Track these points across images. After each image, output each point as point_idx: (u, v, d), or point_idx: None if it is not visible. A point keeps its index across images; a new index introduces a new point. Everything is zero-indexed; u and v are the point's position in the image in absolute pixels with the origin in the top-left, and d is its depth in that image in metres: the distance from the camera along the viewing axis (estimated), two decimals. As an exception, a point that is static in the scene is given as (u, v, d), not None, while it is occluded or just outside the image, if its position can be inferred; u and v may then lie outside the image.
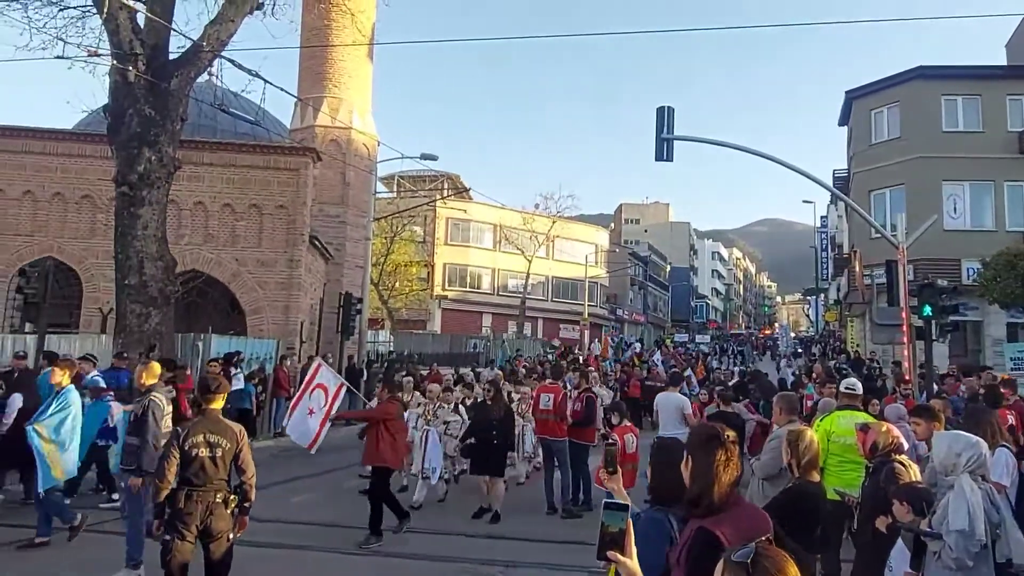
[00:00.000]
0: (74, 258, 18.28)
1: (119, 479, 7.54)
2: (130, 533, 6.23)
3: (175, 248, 14.46)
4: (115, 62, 12.69)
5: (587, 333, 45.75)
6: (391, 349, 28.56)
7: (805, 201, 44.77)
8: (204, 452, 4.94)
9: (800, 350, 39.71)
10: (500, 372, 17.27)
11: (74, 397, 7.19)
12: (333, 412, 9.37)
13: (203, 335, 15.69)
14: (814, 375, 15.88)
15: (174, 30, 13.51)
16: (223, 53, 13.72)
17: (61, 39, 13.10)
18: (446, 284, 46.80)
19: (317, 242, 20.96)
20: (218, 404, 5.23)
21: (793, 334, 71.49)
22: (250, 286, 18.76)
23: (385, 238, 35.84)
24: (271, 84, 14.00)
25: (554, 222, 47.71)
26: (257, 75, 13.26)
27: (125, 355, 11.98)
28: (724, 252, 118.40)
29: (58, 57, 12.78)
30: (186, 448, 4.89)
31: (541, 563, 7.11)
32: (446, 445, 10.01)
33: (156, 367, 6.91)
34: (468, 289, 48.10)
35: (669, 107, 14.90)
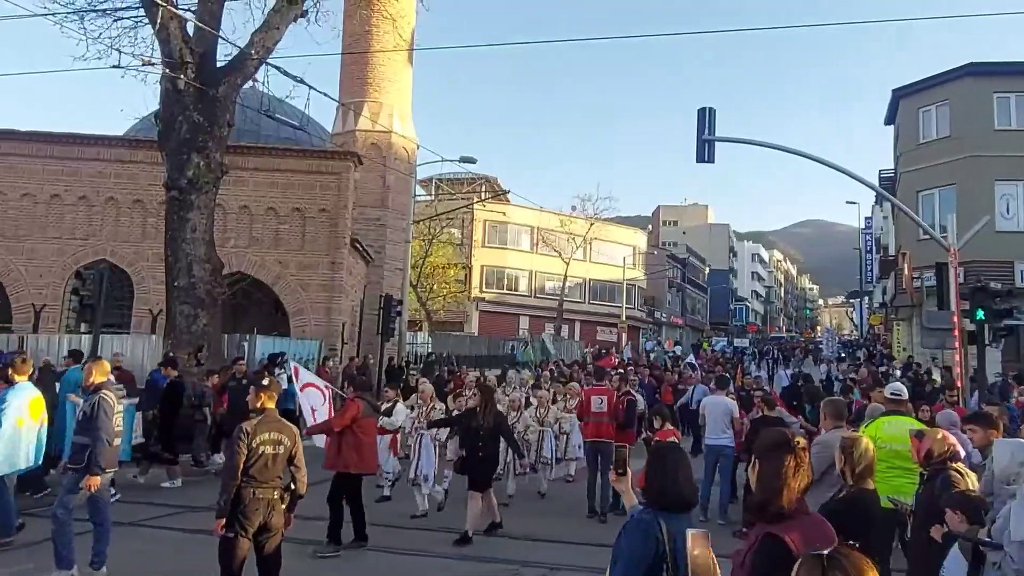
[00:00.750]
0: (126, 261, 18.84)
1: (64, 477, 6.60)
2: (59, 535, 5.93)
3: (221, 251, 14.81)
4: (166, 70, 13.07)
5: (624, 335, 45.47)
6: (429, 351, 28.76)
7: (849, 202, 44.10)
8: (269, 450, 5.06)
9: (843, 354, 38.69)
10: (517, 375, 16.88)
11: (10, 396, 6.93)
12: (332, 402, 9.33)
13: (248, 336, 16.07)
14: (859, 380, 15.55)
15: (222, 38, 13.89)
16: (268, 60, 14.04)
17: (115, 49, 13.60)
18: (484, 286, 46.95)
19: (358, 245, 21.25)
20: (273, 403, 5.37)
21: (837, 337, 70.02)
22: (293, 288, 19.11)
23: (424, 240, 36.13)
24: (314, 89, 14.25)
25: (592, 224, 47.53)
26: (301, 81, 13.56)
27: (174, 355, 12.30)
28: (764, 254, 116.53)
29: (112, 66, 13.25)
30: (253, 446, 5.00)
31: (583, 566, 7.09)
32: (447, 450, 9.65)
33: (105, 365, 6.70)
34: (505, 291, 48.19)
35: (711, 108, 14.76)
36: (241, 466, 4.95)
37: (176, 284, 13.09)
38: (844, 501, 4.06)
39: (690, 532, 2.60)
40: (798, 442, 2.64)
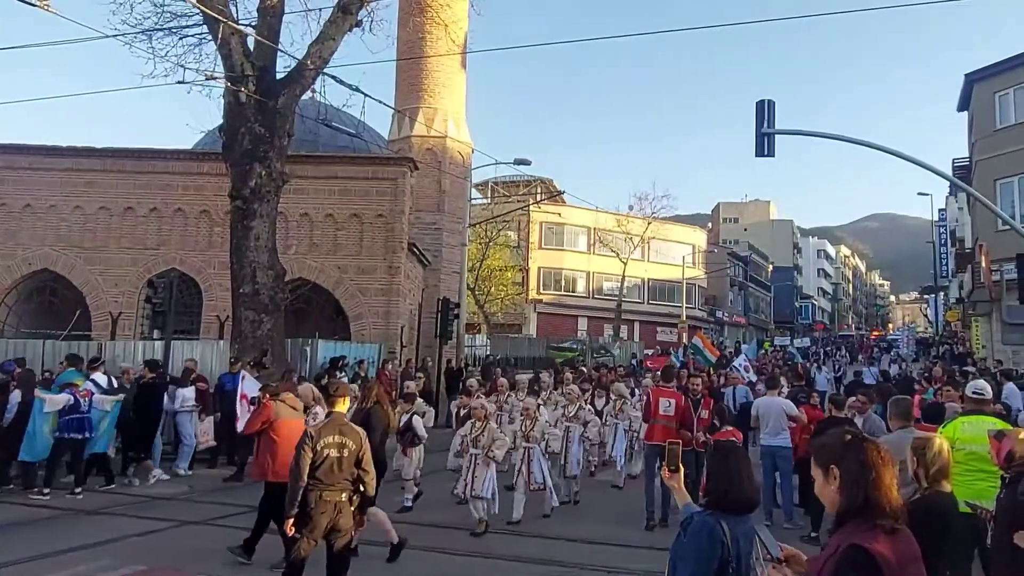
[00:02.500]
0: (194, 269, 19.53)
1: None
2: None
3: (283, 258, 15.20)
4: (228, 84, 13.50)
5: (685, 336, 44.71)
6: (488, 352, 28.90)
7: (920, 193, 41.84)
8: (333, 453, 5.15)
9: (915, 353, 36.98)
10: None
11: None
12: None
13: (310, 340, 16.42)
14: (934, 378, 14.83)
15: (281, 51, 14.27)
16: (325, 70, 14.35)
17: (181, 65, 14.09)
18: (541, 288, 46.91)
19: (415, 249, 21.50)
20: (342, 406, 5.46)
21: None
22: (352, 292, 19.47)
23: (480, 243, 36.34)
24: (370, 97, 14.51)
25: (649, 223, 46.94)
26: (357, 89, 13.81)
27: (237, 360, 12.67)
28: (831, 250, 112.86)
29: (178, 82, 13.76)
30: (318, 449, 5.09)
31: (646, 570, 6.97)
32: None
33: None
34: (563, 293, 48.03)
35: (769, 100, 14.38)
36: (306, 469, 5.03)
37: (241, 291, 13.50)
38: (918, 504, 3.85)
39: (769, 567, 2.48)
40: (865, 437, 2.44)
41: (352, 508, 5.21)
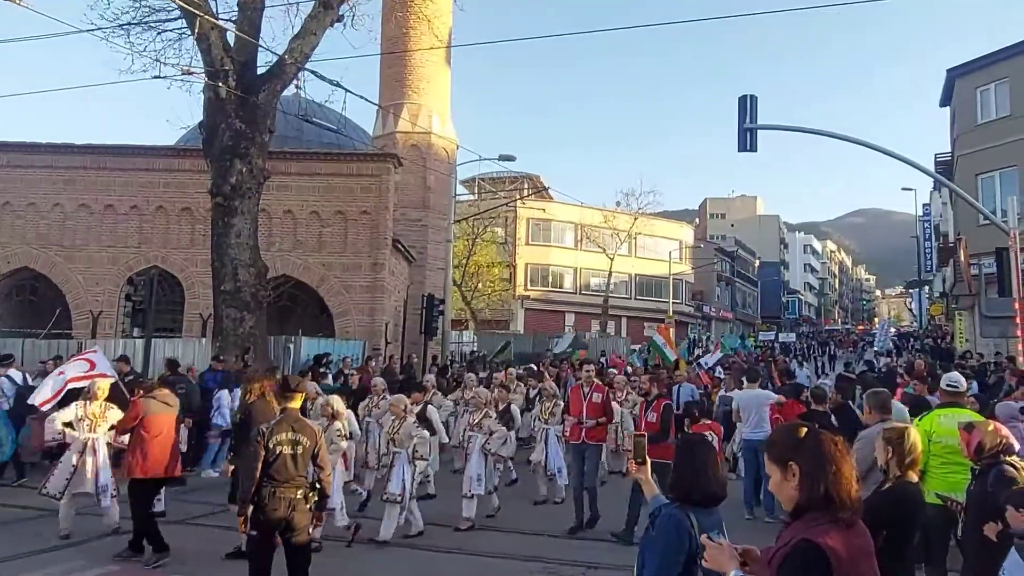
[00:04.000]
0: (176, 267, 19.38)
1: None
2: None
3: (266, 255, 15.10)
4: (208, 79, 13.37)
5: (672, 331, 44.82)
6: (474, 349, 28.88)
7: (904, 189, 42.31)
8: (287, 450, 5.10)
9: (893, 347, 36.91)
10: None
11: None
12: (72, 385, 8.53)
13: (294, 337, 16.35)
14: (916, 372, 14.94)
15: (261, 46, 14.14)
16: (307, 65, 14.25)
17: (160, 61, 13.92)
18: (528, 284, 46.93)
19: (400, 245, 21.43)
20: (296, 403, 5.42)
21: (893, 329, 67.76)
22: (337, 290, 19.38)
23: (467, 240, 36.29)
24: (352, 93, 14.56)
25: (636, 219, 47.08)
26: (339, 85, 13.72)
27: (222, 358, 12.59)
28: (817, 245, 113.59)
29: (156, 77, 13.64)
30: (270, 446, 5.06)
31: (624, 565, 6.97)
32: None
33: None
34: (550, 289, 48.07)
35: (752, 95, 14.44)
36: (259, 467, 5.00)
37: (223, 288, 13.39)
38: (887, 495, 3.86)
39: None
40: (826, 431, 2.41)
41: (308, 505, 5.17)
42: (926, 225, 45.56)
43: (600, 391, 8.74)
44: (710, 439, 8.17)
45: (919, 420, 6.37)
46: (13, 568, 6.55)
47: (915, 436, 4.01)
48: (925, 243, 45.78)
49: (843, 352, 41.30)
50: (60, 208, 19.68)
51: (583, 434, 8.46)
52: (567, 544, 7.78)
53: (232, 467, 6.97)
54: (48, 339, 16.91)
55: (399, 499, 7.45)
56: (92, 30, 13.02)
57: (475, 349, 28.65)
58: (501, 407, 9.65)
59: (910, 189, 43.96)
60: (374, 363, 17.36)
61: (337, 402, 7.65)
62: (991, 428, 4.38)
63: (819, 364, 35.23)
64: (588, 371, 8.99)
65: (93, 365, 8.88)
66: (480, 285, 39.50)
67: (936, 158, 32.17)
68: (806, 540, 2.16)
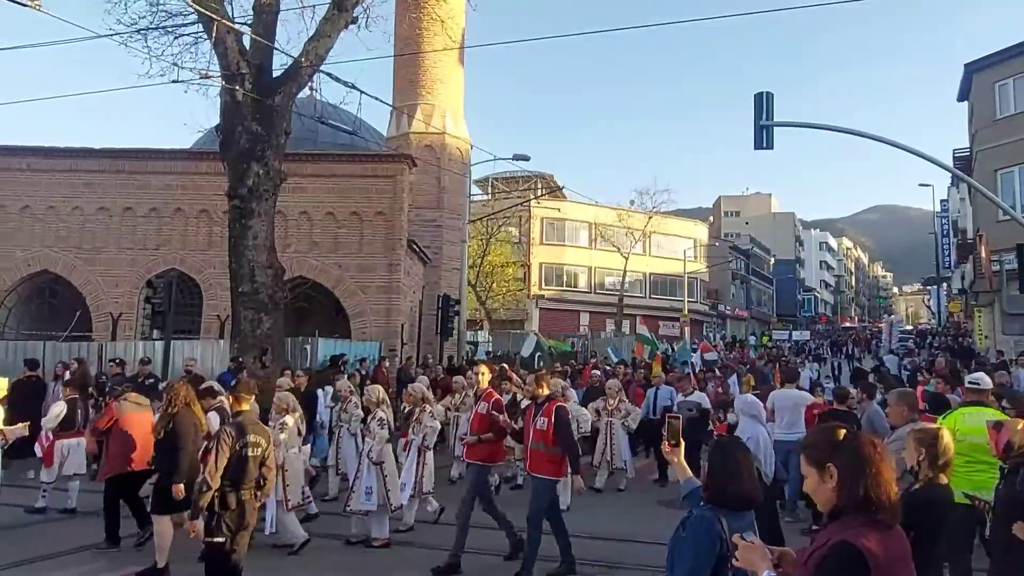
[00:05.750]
0: (194, 269, 19.52)
1: None
2: None
3: (283, 256, 15.17)
4: (224, 83, 13.45)
5: (688, 330, 44.68)
6: (489, 349, 28.89)
7: (922, 184, 41.32)
8: (250, 452, 5.17)
9: (912, 345, 36.29)
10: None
11: None
12: None
13: (311, 338, 16.45)
14: (936, 370, 14.78)
15: (276, 49, 14.20)
16: (321, 68, 14.30)
17: (177, 65, 14.00)
18: (543, 284, 46.89)
19: (415, 246, 21.48)
20: (246, 405, 5.49)
21: (910, 326, 67.04)
22: (352, 291, 19.45)
23: (481, 240, 36.30)
24: (367, 95, 14.48)
25: (650, 218, 46.91)
26: (353, 87, 13.75)
27: (240, 359, 12.67)
28: (833, 242, 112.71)
29: (174, 81, 13.71)
30: (238, 449, 5.09)
31: (642, 565, 6.95)
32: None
33: None
34: (565, 288, 48.02)
35: (768, 92, 14.32)
36: (222, 469, 4.99)
37: (240, 290, 13.46)
38: (917, 496, 3.82)
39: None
40: (861, 433, 2.41)
41: (256, 505, 5.30)
42: (944, 221, 45.09)
43: (489, 399, 7.28)
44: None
45: (943, 418, 6.31)
46: (36, 570, 6.60)
47: (948, 438, 3.98)
48: (943, 239, 45.31)
49: (859, 351, 40.89)
50: (79, 211, 19.89)
51: (465, 452, 7.27)
52: (589, 544, 7.75)
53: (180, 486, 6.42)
54: (68, 341, 17.12)
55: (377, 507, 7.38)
56: (110, 35, 13.15)
57: (490, 349, 28.65)
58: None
59: (927, 185, 43.17)
60: (388, 364, 17.43)
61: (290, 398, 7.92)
62: (1020, 427, 4.33)
63: (834, 365, 34.42)
64: (480, 373, 7.54)
65: None
66: (495, 285, 39.51)
67: (954, 153, 31.81)
68: (844, 541, 2.14)
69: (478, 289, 36.47)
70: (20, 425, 7.23)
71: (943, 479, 3.91)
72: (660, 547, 7.48)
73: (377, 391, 7.93)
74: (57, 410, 8.49)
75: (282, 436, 7.24)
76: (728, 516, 2.94)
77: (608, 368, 17.59)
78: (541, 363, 19.74)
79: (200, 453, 5.96)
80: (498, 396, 7.57)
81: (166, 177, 19.97)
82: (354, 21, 14.69)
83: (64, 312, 19.62)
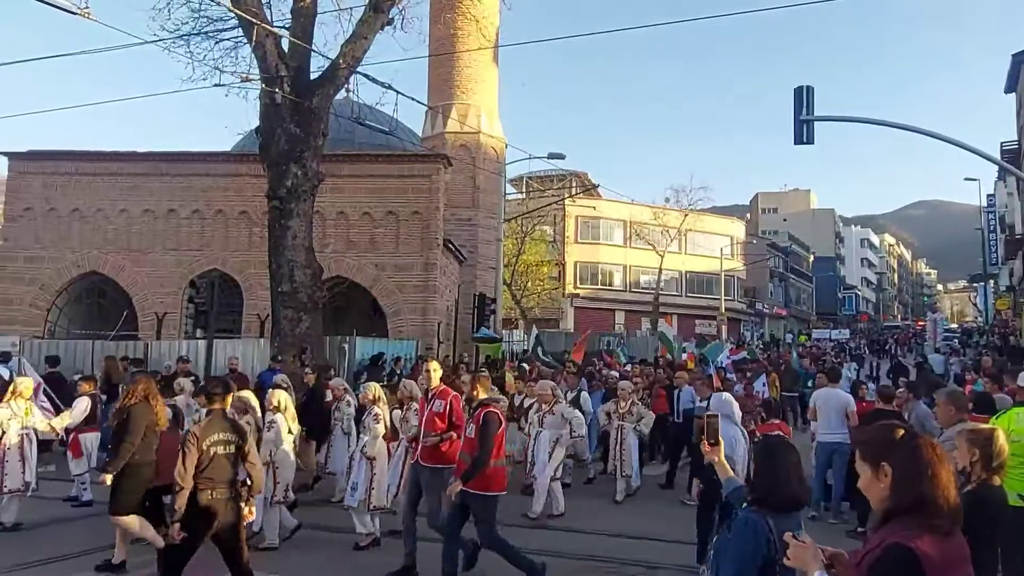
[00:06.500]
0: (235, 269, 19.91)
1: None
2: None
3: (321, 256, 15.37)
4: (264, 86, 13.69)
5: (725, 328, 44.13)
6: (524, 348, 28.87)
7: (967, 179, 40.35)
8: (220, 450, 5.18)
9: (958, 343, 35.13)
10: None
11: None
12: None
13: (348, 337, 16.63)
14: (984, 370, 14.36)
15: (314, 51, 14.39)
16: (358, 69, 14.45)
17: (218, 69, 14.32)
18: (578, 282, 46.77)
19: (451, 245, 21.59)
20: (225, 404, 5.51)
21: (954, 324, 65.22)
22: (389, 290, 19.63)
23: (516, 239, 36.33)
24: (402, 95, 14.59)
25: (686, 215, 46.44)
26: (390, 87, 13.89)
27: (280, 358, 12.88)
28: (874, 239, 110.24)
29: (216, 85, 14.02)
30: (204, 448, 5.11)
31: (681, 565, 6.89)
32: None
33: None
34: (600, 287, 47.82)
35: (808, 86, 14.09)
36: (192, 469, 5.03)
37: (280, 290, 13.68)
38: (968, 498, 3.72)
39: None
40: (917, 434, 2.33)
41: (240, 502, 5.29)
42: (991, 216, 43.87)
43: (444, 397, 6.69)
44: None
45: (996, 419, 6.14)
46: (65, 568, 6.61)
47: (1003, 439, 3.88)
48: (990, 235, 44.12)
49: (902, 350, 39.91)
50: (126, 213, 20.43)
51: (419, 453, 6.67)
52: (625, 543, 7.72)
53: (109, 476, 6.33)
54: (117, 340, 17.59)
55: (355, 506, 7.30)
56: (155, 41, 13.46)
57: (525, 348, 28.61)
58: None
59: (973, 179, 42.04)
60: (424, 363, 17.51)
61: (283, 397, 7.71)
62: (1078, 428, 4.19)
63: (872, 364, 33.46)
64: (430, 370, 6.94)
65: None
66: (529, 284, 39.51)
67: (1002, 146, 30.90)
68: (898, 544, 2.08)
69: (513, 288, 36.51)
70: (61, 416, 7.47)
71: (996, 481, 3.81)
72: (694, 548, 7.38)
73: (373, 388, 7.84)
74: (83, 405, 8.69)
75: (268, 434, 7.24)
76: (775, 518, 2.90)
77: (627, 369, 16.99)
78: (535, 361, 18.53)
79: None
80: (455, 393, 7.02)
81: (208, 179, 20.41)
82: (390, 22, 14.81)
83: (112, 312, 20.19)
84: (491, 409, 6.15)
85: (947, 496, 2.14)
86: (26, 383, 8.20)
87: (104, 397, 11.63)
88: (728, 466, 3.38)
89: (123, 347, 16.42)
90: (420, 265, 19.61)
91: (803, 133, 14.09)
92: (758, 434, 7.68)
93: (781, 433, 8.05)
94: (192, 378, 12.67)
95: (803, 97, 14.04)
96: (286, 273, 13.62)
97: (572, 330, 40.59)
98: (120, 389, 12.77)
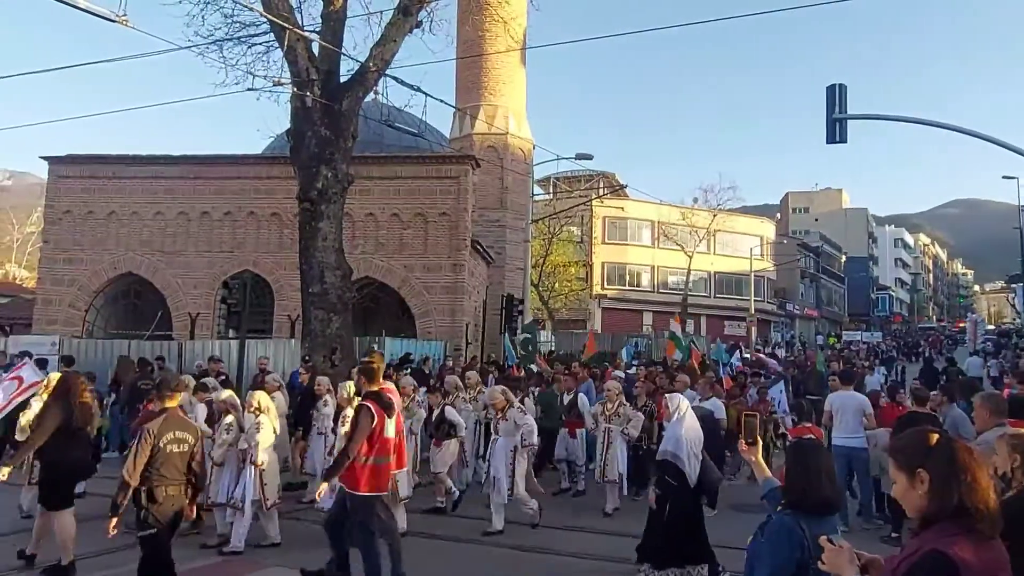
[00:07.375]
0: (267, 270, 20.20)
1: None
2: None
3: (350, 257, 15.52)
4: (295, 89, 13.88)
5: (754, 329, 43.63)
6: (552, 348, 28.85)
7: (1005, 177, 39.10)
8: (175, 448, 5.28)
9: (992, 346, 34.05)
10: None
11: None
12: (12, 404, 8.42)
13: (378, 338, 16.78)
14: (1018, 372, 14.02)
15: (344, 55, 14.54)
16: (387, 72, 14.58)
17: (250, 73, 14.53)
18: (605, 283, 46.60)
19: (478, 246, 21.66)
20: (175, 403, 5.57)
21: (992, 326, 63.72)
22: (418, 291, 19.76)
23: (543, 240, 36.34)
24: (431, 97, 14.66)
25: (715, 215, 46.04)
26: (418, 89, 13.99)
27: (311, 358, 13.03)
28: (909, 238, 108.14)
29: (248, 89, 14.24)
30: (161, 445, 5.21)
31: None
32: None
33: None
34: (627, 287, 47.59)
35: (841, 84, 13.90)
36: (141, 466, 5.10)
37: (310, 290, 13.84)
38: (1010, 505, 3.64)
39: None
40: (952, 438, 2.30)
41: (186, 501, 5.40)
42: (1031, 215, 42.75)
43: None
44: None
45: (1035, 423, 5.99)
46: (81, 568, 6.55)
47: None
48: (1030, 234, 42.97)
49: (935, 352, 39.04)
50: (161, 216, 20.84)
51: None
52: (629, 543, 7.67)
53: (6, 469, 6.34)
54: (151, 340, 17.96)
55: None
56: (189, 47, 13.71)
57: (553, 349, 28.60)
58: (436, 412, 9.20)
59: (1012, 177, 40.95)
60: (452, 363, 17.59)
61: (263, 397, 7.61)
62: (1123, 433, 4.07)
63: (898, 368, 31.70)
64: (346, 388, 7.07)
65: (22, 381, 8.90)
66: (557, 284, 39.47)
67: (1043, 144, 30.08)
68: (936, 550, 2.04)
69: (541, 289, 36.51)
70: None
71: (1038, 487, 3.71)
72: (731, 552, 7.33)
73: (348, 388, 7.79)
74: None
75: (258, 436, 7.26)
76: (809, 521, 2.88)
77: (631, 370, 16.05)
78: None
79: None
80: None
81: (240, 182, 20.73)
82: (418, 25, 14.90)
83: (147, 312, 20.61)
84: (365, 403, 6.00)
85: (987, 502, 2.10)
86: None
87: (113, 397, 12.12)
88: (765, 466, 3.36)
89: (157, 347, 16.75)
90: (448, 266, 19.71)
91: (836, 132, 13.90)
92: (790, 437, 7.61)
93: (813, 436, 7.95)
94: (222, 378, 12.92)
95: (836, 96, 13.86)
96: (316, 274, 13.78)
97: (600, 331, 40.47)
98: (120, 390, 13.17)
